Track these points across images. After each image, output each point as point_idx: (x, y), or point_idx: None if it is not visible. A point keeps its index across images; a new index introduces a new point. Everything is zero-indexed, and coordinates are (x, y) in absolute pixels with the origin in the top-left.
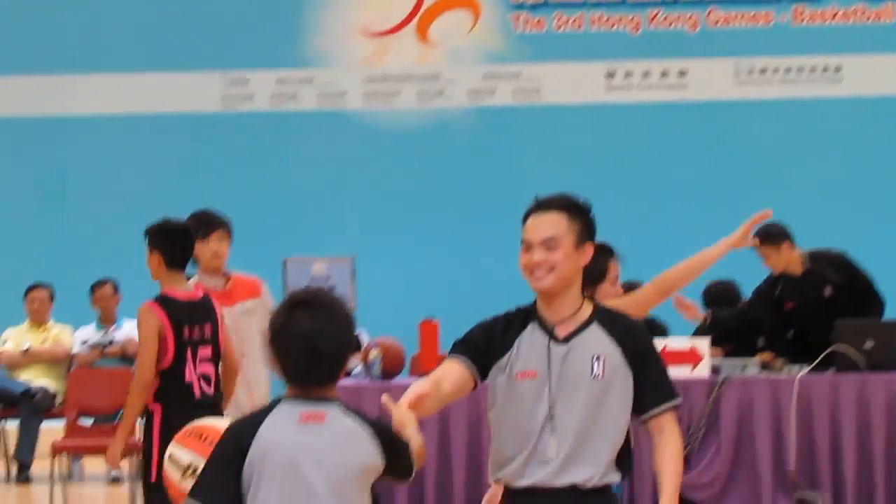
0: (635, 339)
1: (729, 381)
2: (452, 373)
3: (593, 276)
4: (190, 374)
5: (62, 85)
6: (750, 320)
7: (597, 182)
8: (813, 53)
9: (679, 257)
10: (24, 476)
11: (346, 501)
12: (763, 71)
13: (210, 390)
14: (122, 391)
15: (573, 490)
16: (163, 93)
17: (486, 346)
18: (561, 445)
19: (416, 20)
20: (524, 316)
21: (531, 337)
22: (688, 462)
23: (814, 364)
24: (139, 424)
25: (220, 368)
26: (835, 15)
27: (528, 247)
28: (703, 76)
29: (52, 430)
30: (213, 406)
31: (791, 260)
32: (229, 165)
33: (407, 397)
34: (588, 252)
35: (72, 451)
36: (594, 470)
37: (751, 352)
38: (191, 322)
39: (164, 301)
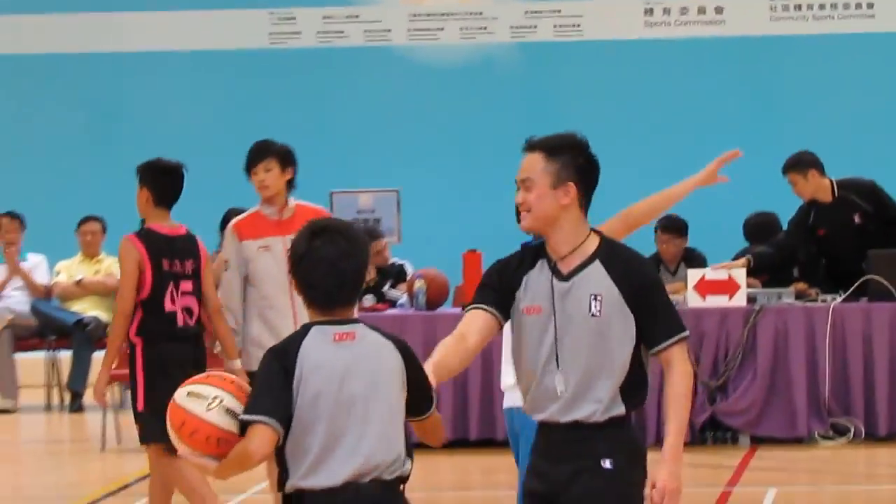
0: (633, 276)
1: (765, 310)
2: (475, 324)
3: None
4: (170, 305)
5: (113, 22)
6: (787, 253)
7: (635, 116)
8: None
9: (713, 191)
10: (76, 405)
11: (388, 400)
12: (798, 7)
13: (192, 322)
14: None
15: (577, 426)
16: (211, 30)
17: (502, 285)
18: (568, 382)
19: None
20: (534, 253)
21: (539, 273)
22: (724, 389)
23: (848, 293)
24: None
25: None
26: None
27: (516, 187)
28: (739, 12)
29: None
30: (196, 337)
31: (820, 187)
32: (277, 101)
33: (430, 364)
34: (570, 191)
35: (123, 380)
36: (596, 406)
37: (786, 282)
38: (171, 256)
39: (144, 234)
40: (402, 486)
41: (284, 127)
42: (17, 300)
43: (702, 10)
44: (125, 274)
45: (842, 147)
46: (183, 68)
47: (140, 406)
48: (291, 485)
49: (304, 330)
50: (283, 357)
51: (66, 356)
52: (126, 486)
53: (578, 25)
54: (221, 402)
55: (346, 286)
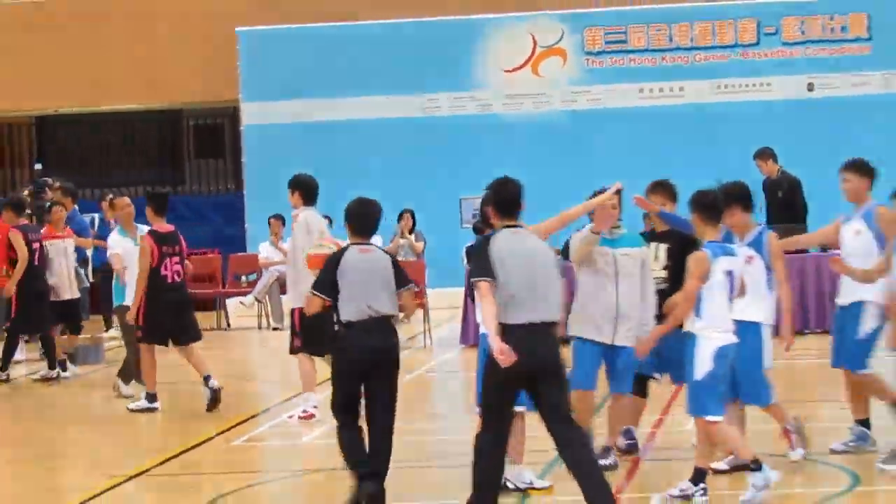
0: None
1: None
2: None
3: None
4: (164, 270)
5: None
6: None
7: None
8: None
9: None
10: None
11: (388, 284)
12: None
13: (178, 280)
14: None
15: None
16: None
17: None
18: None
19: (530, 62)
20: None
21: None
22: None
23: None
24: None
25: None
26: None
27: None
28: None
29: None
30: (179, 289)
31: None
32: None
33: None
34: None
35: None
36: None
37: None
38: (165, 244)
39: (152, 233)
40: (392, 319)
41: (431, 159)
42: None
43: (670, 88)
44: (142, 253)
45: None
46: (372, 131)
47: (140, 332)
48: (339, 318)
49: (346, 248)
50: (335, 260)
51: None
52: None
53: (601, 99)
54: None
55: (373, 225)
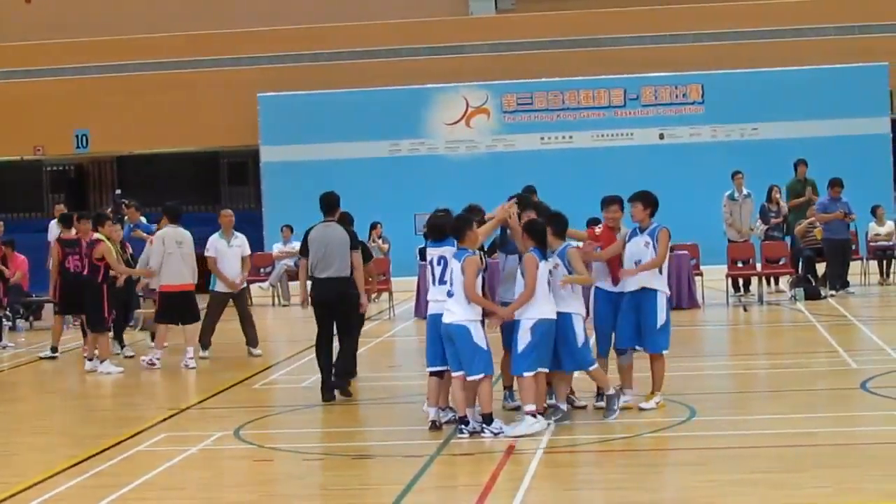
0: None
1: None
2: None
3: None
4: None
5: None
6: None
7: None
8: None
9: None
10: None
11: (344, 255)
12: None
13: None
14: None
15: None
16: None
17: None
18: None
19: (464, 118)
20: None
21: None
22: None
23: None
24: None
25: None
26: None
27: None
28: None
29: None
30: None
31: None
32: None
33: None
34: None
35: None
36: None
37: None
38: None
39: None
40: (348, 282)
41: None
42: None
43: (563, 137)
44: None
45: None
46: (355, 165)
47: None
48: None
49: (315, 225)
50: (306, 234)
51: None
52: None
53: (514, 144)
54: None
55: (335, 209)
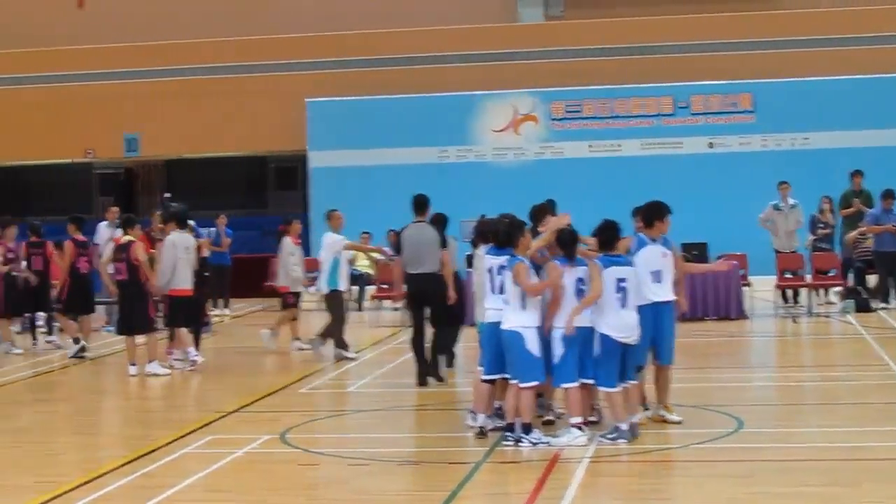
0: None
1: None
2: None
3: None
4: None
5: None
6: None
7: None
8: None
9: None
10: None
11: (434, 253)
12: None
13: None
14: None
15: None
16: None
17: None
18: None
19: (512, 125)
20: None
21: None
22: None
23: None
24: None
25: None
26: None
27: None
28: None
29: None
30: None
31: None
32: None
33: None
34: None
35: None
36: None
37: None
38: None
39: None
40: (438, 277)
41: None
42: None
43: (611, 145)
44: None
45: None
46: (402, 171)
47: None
48: None
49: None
50: (399, 234)
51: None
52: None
53: (562, 152)
54: None
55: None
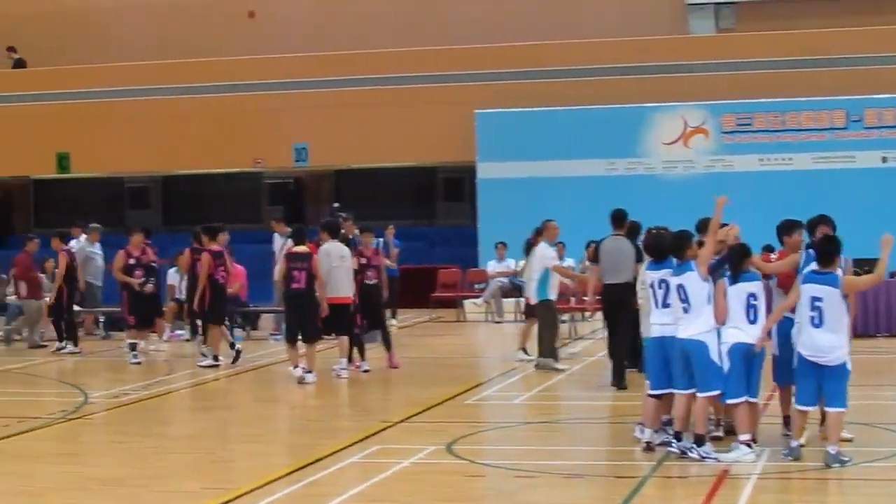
0: None
1: None
2: None
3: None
4: (216, 275)
5: None
6: None
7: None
8: None
9: None
10: None
11: (629, 265)
12: None
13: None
14: None
15: None
16: None
17: None
18: None
19: (682, 137)
20: None
21: None
22: None
23: None
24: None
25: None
26: None
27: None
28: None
29: None
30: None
31: None
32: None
33: None
34: None
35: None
36: None
37: None
38: (217, 258)
39: (209, 251)
40: (630, 288)
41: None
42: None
43: (782, 158)
44: (203, 265)
45: None
46: (569, 183)
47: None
48: None
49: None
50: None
51: None
52: None
53: (732, 165)
54: None
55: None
